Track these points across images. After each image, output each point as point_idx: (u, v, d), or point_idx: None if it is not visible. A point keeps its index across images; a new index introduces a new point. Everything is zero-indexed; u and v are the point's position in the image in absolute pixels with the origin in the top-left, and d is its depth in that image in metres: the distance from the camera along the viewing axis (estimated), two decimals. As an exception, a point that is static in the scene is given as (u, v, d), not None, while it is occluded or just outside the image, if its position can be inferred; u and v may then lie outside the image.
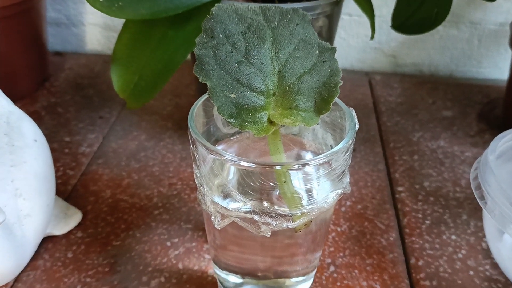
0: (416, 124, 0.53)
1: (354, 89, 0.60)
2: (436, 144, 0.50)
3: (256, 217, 0.26)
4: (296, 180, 0.27)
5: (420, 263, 0.37)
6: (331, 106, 0.27)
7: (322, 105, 0.27)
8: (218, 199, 0.28)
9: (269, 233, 0.27)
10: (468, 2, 0.60)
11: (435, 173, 0.46)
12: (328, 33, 0.45)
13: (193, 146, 0.28)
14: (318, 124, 0.32)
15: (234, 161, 0.25)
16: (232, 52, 0.27)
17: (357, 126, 0.28)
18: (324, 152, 0.26)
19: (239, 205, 0.27)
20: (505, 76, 0.64)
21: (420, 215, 0.41)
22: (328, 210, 0.29)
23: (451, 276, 0.36)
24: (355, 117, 0.29)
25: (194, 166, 0.29)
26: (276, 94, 0.27)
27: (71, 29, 0.66)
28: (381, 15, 0.60)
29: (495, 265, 0.36)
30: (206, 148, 0.26)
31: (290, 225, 0.27)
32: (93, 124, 0.51)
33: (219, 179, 0.27)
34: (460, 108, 0.56)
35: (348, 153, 0.28)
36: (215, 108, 0.31)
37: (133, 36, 0.40)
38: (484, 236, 0.39)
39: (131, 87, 0.40)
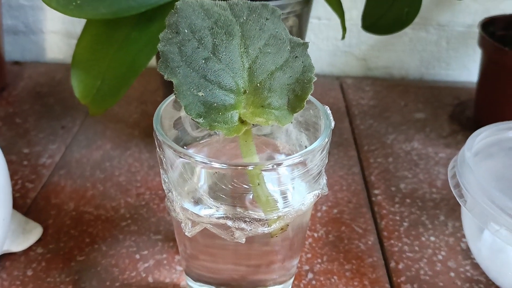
0: (389, 126, 0.52)
1: (325, 93, 0.59)
2: (410, 146, 0.49)
3: (230, 223, 0.25)
4: (270, 182, 0.25)
5: (400, 266, 0.35)
6: (305, 103, 0.26)
7: (295, 102, 0.26)
8: (188, 205, 0.26)
9: (244, 239, 0.25)
10: (436, 4, 0.60)
11: (411, 174, 0.45)
12: (298, 34, 0.44)
13: (159, 150, 0.26)
14: (292, 123, 0.31)
15: (204, 163, 0.24)
16: (198, 48, 0.25)
17: (333, 124, 0.27)
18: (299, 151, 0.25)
19: (211, 211, 0.25)
20: (473, 77, 0.64)
21: (397, 218, 0.40)
22: (305, 213, 0.28)
23: (432, 279, 0.34)
24: (330, 115, 0.28)
25: (162, 171, 0.27)
26: (247, 91, 0.26)
27: (30, 37, 0.63)
28: (351, 18, 0.59)
29: (475, 266, 0.36)
30: (174, 151, 0.24)
31: (265, 229, 0.25)
32: (55, 134, 0.48)
33: (188, 184, 0.26)
34: (432, 110, 0.56)
35: (325, 152, 0.26)
36: (183, 109, 0.29)
37: (94, 38, 0.38)
38: (463, 236, 0.38)
39: (93, 92, 0.38)
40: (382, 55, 0.64)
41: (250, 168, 0.24)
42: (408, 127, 0.52)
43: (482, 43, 0.49)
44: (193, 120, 0.25)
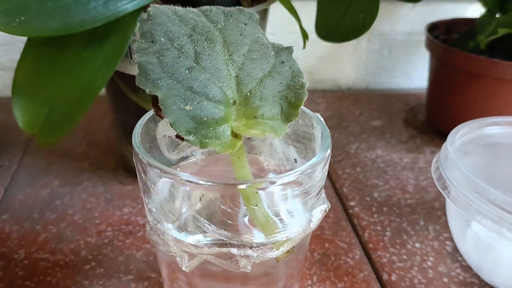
0: (350, 136, 0.51)
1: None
2: (374, 153, 0.48)
3: (234, 251, 0.22)
4: (267, 202, 0.23)
5: (393, 278, 0.34)
6: (300, 111, 0.24)
7: (289, 110, 0.24)
8: (183, 236, 0.23)
9: (250, 268, 0.22)
10: (376, 13, 0.61)
11: (381, 182, 0.44)
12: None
13: (143, 175, 0.23)
14: (277, 138, 0.29)
15: (211, 184, 0.21)
16: (179, 57, 0.22)
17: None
18: (287, 169, 0.23)
19: (209, 240, 0.22)
20: (417, 84, 0.66)
21: (379, 228, 0.38)
22: (309, 233, 0.25)
23: (427, 286, 0.33)
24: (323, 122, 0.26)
25: (146, 200, 0.23)
26: (237, 102, 0.23)
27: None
28: (296, 31, 0.58)
29: (465, 268, 0.35)
30: (163, 172, 0.21)
31: (274, 254, 0.22)
32: (-9, 175, 0.43)
33: (181, 210, 0.22)
34: (387, 117, 0.56)
35: (327, 163, 0.24)
36: (158, 131, 0.26)
37: (37, 61, 0.33)
38: (446, 239, 0.37)
39: (41, 122, 0.33)
40: (329, 67, 0.64)
41: (245, 186, 0.21)
42: (368, 135, 0.52)
43: (431, 46, 0.50)
44: (181, 137, 0.22)
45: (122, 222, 0.38)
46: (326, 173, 0.24)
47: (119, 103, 0.41)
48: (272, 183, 0.21)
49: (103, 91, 0.51)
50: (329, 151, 0.23)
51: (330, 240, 0.37)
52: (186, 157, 0.29)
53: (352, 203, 0.41)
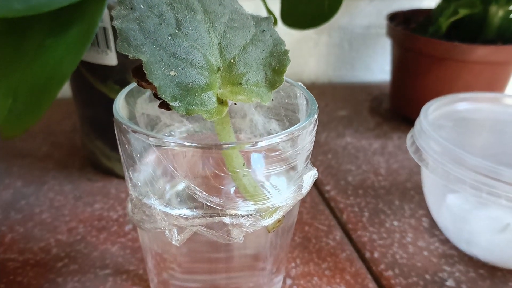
0: (318, 126, 0.51)
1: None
2: (343, 141, 0.49)
3: (226, 219, 0.21)
4: (257, 168, 0.22)
5: (375, 255, 0.34)
6: (284, 77, 0.23)
7: (274, 77, 0.23)
8: (171, 208, 0.22)
9: (242, 238, 0.22)
10: (335, 7, 0.62)
11: (354, 167, 0.44)
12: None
13: (127, 145, 0.22)
14: (256, 111, 0.28)
15: (198, 145, 0.20)
16: (161, 24, 0.22)
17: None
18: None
19: (200, 211, 0.22)
20: (377, 77, 0.67)
21: (356, 209, 0.38)
22: (297, 204, 0.25)
23: (409, 261, 0.33)
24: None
25: (130, 174, 0.22)
26: (221, 69, 0.23)
27: None
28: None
29: (443, 241, 0.35)
30: (151, 137, 0.20)
31: (266, 222, 0.22)
32: None
33: (167, 180, 0.22)
34: (352, 107, 0.56)
35: (315, 127, 0.24)
36: (137, 107, 0.25)
37: (-2, 51, 0.32)
38: (421, 216, 0.38)
39: (5, 113, 0.32)
40: (291, 62, 0.64)
41: (229, 146, 0.21)
42: (336, 125, 0.52)
43: (393, 34, 0.51)
44: (166, 106, 0.21)
45: (94, 218, 0.36)
46: (314, 138, 0.24)
47: (86, 96, 0.39)
48: (255, 144, 0.20)
49: (64, 92, 0.49)
50: (316, 115, 0.23)
51: (310, 223, 0.37)
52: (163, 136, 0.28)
53: (327, 188, 0.41)
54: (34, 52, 0.32)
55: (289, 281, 0.31)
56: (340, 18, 0.62)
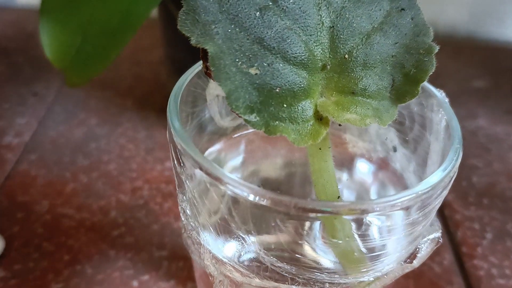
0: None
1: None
2: (474, 124, 0.39)
3: (298, 289, 0.15)
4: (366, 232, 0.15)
5: (492, 299, 0.26)
6: (419, 89, 0.16)
7: (404, 86, 0.16)
8: (225, 256, 0.16)
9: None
10: None
11: (482, 163, 0.35)
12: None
13: (176, 163, 0.16)
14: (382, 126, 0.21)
15: (270, 200, 0.13)
16: (248, -10, 0.14)
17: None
18: (381, 157, 0.15)
19: (264, 268, 0.16)
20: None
21: (476, 226, 0.30)
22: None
23: (536, 318, 0.25)
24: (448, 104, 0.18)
25: (180, 196, 0.17)
26: (328, 67, 0.15)
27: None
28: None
29: None
30: (204, 170, 0.14)
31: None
32: (24, 104, 0.37)
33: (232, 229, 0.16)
34: (492, 76, 0.46)
35: (452, 181, 0.16)
36: (210, 88, 0.19)
37: (71, -24, 0.26)
38: None
39: (72, 54, 0.27)
40: (425, 6, 0.53)
41: (325, 214, 0.14)
42: (467, 99, 0.42)
43: None
44: (241, 117, 0.14)
45: (162, 179, 0.32)
46: (447, 193, 0.16)
47: (170, 33, 0.33)
48: (376, 211, 0.13)
49: (156, 13, 0.43)
50: (458, 162, 0.15)
51: (413, 234, 0.30)
52: (245, 126, 0.21)
53: (443, 188, 0.33)
54: (111, -18, 0.26)
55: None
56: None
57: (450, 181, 0.15)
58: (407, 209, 0.14)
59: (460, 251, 0.29)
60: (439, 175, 0.14)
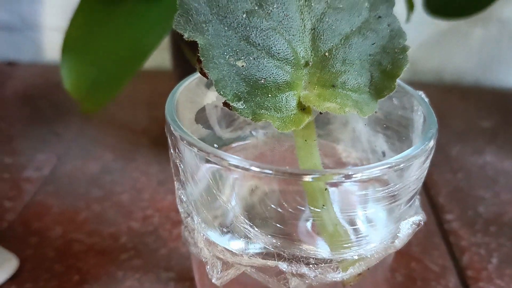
0: (451, 134, 0.43)
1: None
2: (481, 159, 0.40)
3: (284, 266, 0.16)
4: (338, 205, 0.16)
5: (499, 321, 0.26)
6: (396, 83, 0.17)
7: (382, 81, 0.17)
8: (217, 237, 0.17)
9: (304, 291, 0.16)
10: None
11: (489, 194, 0.35)
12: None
13: (174, 151, 0.17)
14: (361, 119, 0.22)
15: (265, 172, 0.15)
16: (236, -5, 0.16)
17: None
18: (372, 164, 0.16)
19: (252, 246, 0.16)
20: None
21: (483, 251, 0.30)
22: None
23: None
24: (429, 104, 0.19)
25: (177, 185, 0.18)
26: (310, 64, 0.17)
27: (26, 34, 0.55)
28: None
29: None
30: (199, 150, 0.15)
31: (338, 276, 0.16)
32: (45, 142, 0.40)
33: (218, 204, 0.17)
34: (500, 117, 0.47)
35: (429, 158, 0.17)
36: (208, 98, 0.21)
37: (90, 16, 0.29)
38: None
39: (88, 84, 0.29)
40: (432, 55, 0.55)
41: (311, 178, 0.15)
42: (475, 137, 0.43)
43: None
44: (228, 105, 0.16)
45: (172, 208, 0.33)
46: (425, 172, 0.17)
47: (183, 72, 0.36)
48: (348, 177, 0.14)
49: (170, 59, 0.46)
50: (432, 142, 0.16)
51: (418, 259, 0.30)
52: (244, 138, 0.23)
53: (449, 217, 0.33)
54: (125, 18, 0.29)
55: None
56: (501, 7, 0.52)
57: (425, 157, 0.16)
58: (382, 178, 0.15)
59: (466, 275, 0.29)
60: (412, 150, 0.15)
